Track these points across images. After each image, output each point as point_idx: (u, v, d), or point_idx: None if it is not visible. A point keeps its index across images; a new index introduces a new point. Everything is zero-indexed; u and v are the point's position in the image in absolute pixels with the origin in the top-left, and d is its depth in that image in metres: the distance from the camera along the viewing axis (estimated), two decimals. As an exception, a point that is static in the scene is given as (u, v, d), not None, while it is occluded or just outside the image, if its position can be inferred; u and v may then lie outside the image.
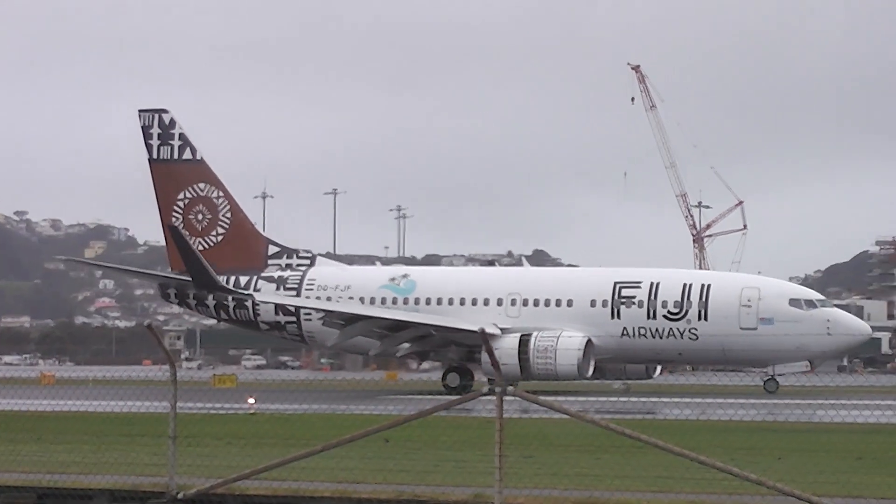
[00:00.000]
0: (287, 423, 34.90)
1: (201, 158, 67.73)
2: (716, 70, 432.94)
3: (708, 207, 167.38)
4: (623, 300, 62.20)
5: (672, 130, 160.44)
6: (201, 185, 67.24)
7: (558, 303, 63.03)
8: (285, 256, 67.10)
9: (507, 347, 59.69)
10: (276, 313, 65.49)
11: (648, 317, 61.68)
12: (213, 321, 73.58)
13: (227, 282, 64.92)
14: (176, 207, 67.10)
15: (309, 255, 68.10)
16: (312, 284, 65.34)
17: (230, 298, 65.23)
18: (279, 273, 66.27)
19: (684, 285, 62.16)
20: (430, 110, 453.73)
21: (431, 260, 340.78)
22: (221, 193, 67.51)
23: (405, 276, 66.04)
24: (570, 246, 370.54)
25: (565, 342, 59.71)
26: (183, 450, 19.88)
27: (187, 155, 67.25)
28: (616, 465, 21.57)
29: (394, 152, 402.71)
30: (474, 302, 63.83)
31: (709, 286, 62.23)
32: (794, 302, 60.94)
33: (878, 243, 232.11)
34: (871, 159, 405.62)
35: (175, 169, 67.19)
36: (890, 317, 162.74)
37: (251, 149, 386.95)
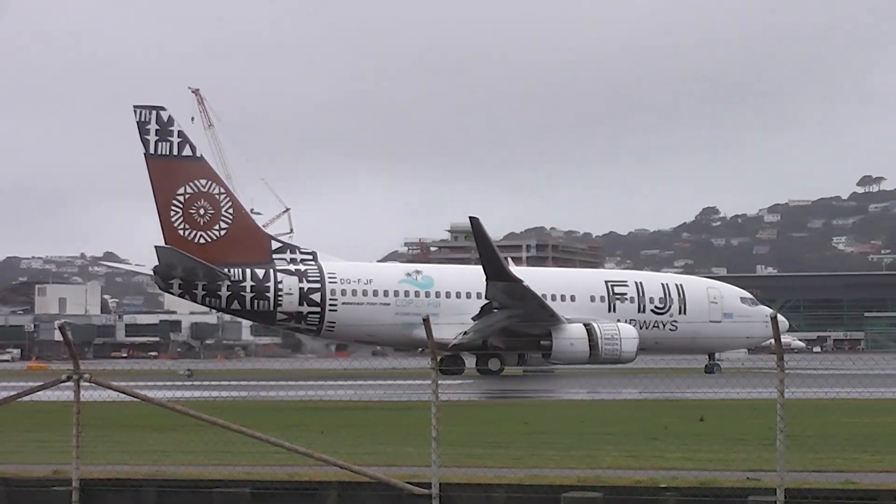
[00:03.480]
0: None
1: (201, 156, 68.39)
2: (267, 96, 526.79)
3: (259, 214, 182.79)
4: (617, 296, 69.72)
5: (228, 147, 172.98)
6: (202, 182, 67.52)
7: (563, 297, 69.31)
8: (288, 252, 69.42)
9: (577, 335, 65.20)
10: (301, 304, 67.76)
11: (639, 310, 69.57)
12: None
13: (242, 273, 67.13)
14: (175, 202, 67.21)
15: (309, 251, 70.12)
16: (335, 277, 68.34)
17: (249, 289, 67.43)
18: (296, 267, 68.42)
19: (662, 285, 70.74)
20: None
21: (12, 262, 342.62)
22: (223, 190, 68.22)
23: (418, 271, 70.38)
24: (136, 249, 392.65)
25: (626, 331, 65.79)
26: None
27: (187, 151, 67.63)
28: (182, 442, 23.87)
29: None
30: None
31: (681, 285, 71.25)
32: (744, 300, 71.42)
33: (406, 244, 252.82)
34: (393, 173, 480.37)
35: (175, 165, 67.20)
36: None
37: None
